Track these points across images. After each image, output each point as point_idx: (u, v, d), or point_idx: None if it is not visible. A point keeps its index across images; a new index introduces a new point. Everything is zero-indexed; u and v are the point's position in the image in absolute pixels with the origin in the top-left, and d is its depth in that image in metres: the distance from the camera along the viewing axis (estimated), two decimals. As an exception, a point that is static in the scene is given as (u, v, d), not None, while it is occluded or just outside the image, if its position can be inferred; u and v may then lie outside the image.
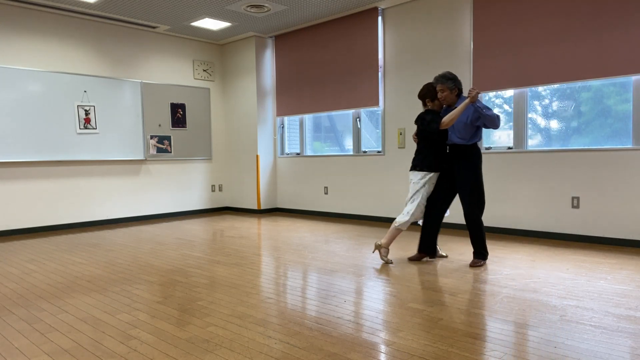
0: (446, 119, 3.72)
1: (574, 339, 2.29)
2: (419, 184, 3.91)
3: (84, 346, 2.32)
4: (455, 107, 3.84)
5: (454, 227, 5.67)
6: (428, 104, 3.95)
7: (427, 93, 3.92)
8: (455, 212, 5.65)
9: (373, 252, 4.08)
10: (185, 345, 2.31)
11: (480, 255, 3.88)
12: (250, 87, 7.59)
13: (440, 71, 5.68)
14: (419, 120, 3.92)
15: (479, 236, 3.86)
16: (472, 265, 3.82)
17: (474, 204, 3.82)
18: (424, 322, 2.56)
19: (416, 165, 3.96)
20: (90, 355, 2.22)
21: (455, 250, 4.40)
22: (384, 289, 3.21)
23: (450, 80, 3.82)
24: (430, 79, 5.75)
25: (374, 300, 2.98)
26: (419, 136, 3.97)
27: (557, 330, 2.40)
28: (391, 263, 3.96)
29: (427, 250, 4.03)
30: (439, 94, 3.89)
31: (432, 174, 3.89)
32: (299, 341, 2.33)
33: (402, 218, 3.92)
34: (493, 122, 3.67)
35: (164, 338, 2.41)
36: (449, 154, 3.93)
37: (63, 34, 6.25)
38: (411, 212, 3.90)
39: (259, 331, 2.47)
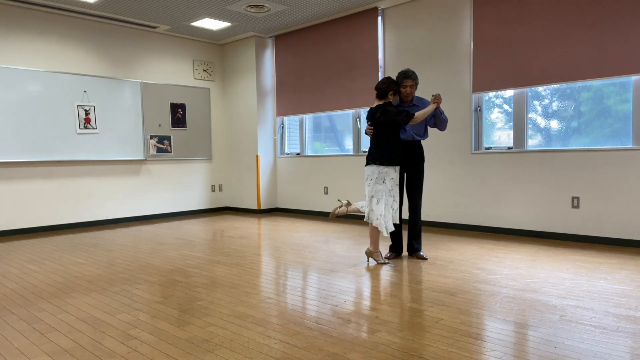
0: (419, 115, 3.78)
1: (574, 339, 2.29)
2: (378, 179, 3.79)
3: (84, 346, 2.32)
4: (413, 105, 4.03)
5: (453, 227, 5.67)
6: (390, 97, 3.83)
7: (391, 86, 3.82)
8: (456, 211, 5.65)
9: (368, 260, 4.07)
10: (185, 345, 2.31)
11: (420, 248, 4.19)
12: (250, 87, 7.59)
13: (440, 71, 5.68)
14: (382, 112, 3.76)
15: (421, 229, 4.19)
16: (421, 257, 4.08)
17: (421, 198, 4.14)
18: (424, 322, 2.56)
19: (375, 159, 3.79)
20: (90, 355, 2.22)
21: (455, 250, 4.40)
22: (383, 289, 3.21)
23: (417, 78, 4.01)
24: (430, 79, 5.75)
25: (374, 300, 2.98)
26: (379, 128, 3.80)
27: (557, 330, 2.40)
28: (388, 262, 3.97)
29: (400, 250, 4.25)
30: (408, 89, 3.93)
31: (392, 168, 3.82)
32: (299, 341, 2.33)
33: (379, 226, 3.81)
34: (445, 125, 4.06)
35: (164, 338, 2.41)
36: (406, 149, 4.03)
37: (63, 34, 6.25)
38: (383, 214, 3.80)
39: (259, 331, 2.47)
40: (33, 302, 3.07)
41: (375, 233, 3.92)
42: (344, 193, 6.83)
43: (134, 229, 6.25)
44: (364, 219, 3.97)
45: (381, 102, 3.85)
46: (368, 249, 4.00)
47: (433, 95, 3.89)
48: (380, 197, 3.80)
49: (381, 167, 3.79)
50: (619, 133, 4.55)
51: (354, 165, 6.71)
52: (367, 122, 3.94)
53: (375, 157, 3.81)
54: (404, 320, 2.60)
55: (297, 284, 3.40)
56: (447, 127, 5.60)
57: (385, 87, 3.81)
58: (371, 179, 3.83)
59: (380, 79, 6.25)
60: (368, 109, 6.43)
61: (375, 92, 3.90)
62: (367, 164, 3.88)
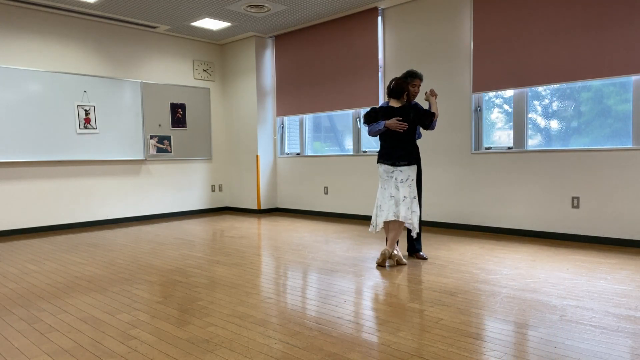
0: (435, 111, 3.93)
1: (574, 339, 2.29)
2: (415, 180, 3.89)
3: (84, 346, 2.33)
4: (412, 104, 4.04)
5: (453, 227, 5.67)
6: (404, 98, 3.90)
7: (405, 86, 3.89)
8: (456, 211, 5.65)
9: (388, 264, 3.92)
10: (185, 345, 2.31)
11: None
12: (250, 87, 7.59)
13: (440, 71, 5.68)
14: (414, 111, 3.82)
15: (421, 230, 4.24)
16: (421, 257, 4.07)
17: (421, 198, 4.12)
18: (424, 322, 2.56)
19: (418, 159, 3.94)
20: (90, 355, 2.22)
21: (455, 251, 4.40)
22: (383, 289, 3.21)
23: (423, 78, 4.14)
24: (430, 79, 5.75)
25: (374, 300, 2.98)
26: (409, 127, 3.84)
27: (557, 330, 2.40)
28: (388, 264, 3.97)
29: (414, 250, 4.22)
30: (416, 88, 4.05)
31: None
32: (299, 341, 2.33)
33: (412, 224, 3.80)
34: (434, 123, 4.01)
35: (164, 338, 2.41)
36: None
37: (63, 34, 6.25)
38: (417, 213, 3.86)
39: (259, 331, 2.47)
40: (33, 302, 3.07)
41: (399, 233, 3.88)
42: (344, 193, 6.83)
43: (134, 229, 6.25)
44: (399, 219, 3.78)
45: (399, 102, 3.90)
46: (388, 250, 3.84)
47: (426, 93, 4.00)
48: (415, 197, 3.86)
49: (416, 167, 3.90)
50: (619, 133, 4.55)
51: (354, 165, 6.70)
52: (397, 119, 3.82)
53: (416, 156, 3.91)
54: (404, 320, 2.60)
55: (297, 284, 3.40)
56: (447, 127, 5.61)
57: (400, 89, 3.90)
58: (412, 180, 3.85)
59: (380, 79, 6.27)
60: (368, 109, 6.46)
61: (389, 93, 3.92)
62: (409, 163, 3.83)
